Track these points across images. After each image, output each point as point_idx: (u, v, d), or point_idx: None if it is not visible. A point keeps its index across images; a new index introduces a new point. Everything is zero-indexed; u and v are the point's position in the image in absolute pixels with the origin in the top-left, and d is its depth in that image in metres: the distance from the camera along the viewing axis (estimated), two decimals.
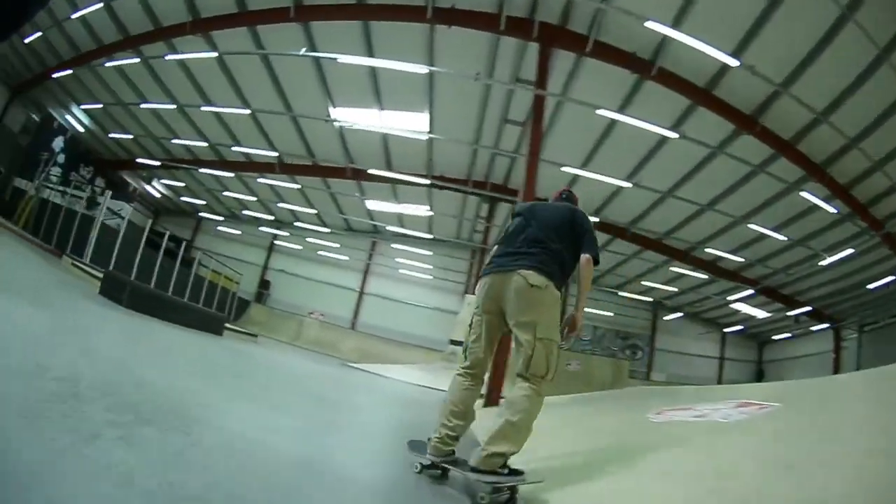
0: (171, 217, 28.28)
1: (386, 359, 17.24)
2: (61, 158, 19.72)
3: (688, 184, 14.70)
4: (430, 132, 14.55)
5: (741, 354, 26.47)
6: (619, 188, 15.05)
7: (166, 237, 14.22)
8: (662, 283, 22.69)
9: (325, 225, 26.04)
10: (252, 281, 26.15)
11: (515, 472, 2.24)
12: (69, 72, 16.32)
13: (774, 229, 15.08)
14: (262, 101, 15.51)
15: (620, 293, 24.35)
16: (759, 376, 25.11)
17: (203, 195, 25.36)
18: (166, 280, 13.31)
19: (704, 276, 20.23)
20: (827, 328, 21.49)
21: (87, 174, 21.69)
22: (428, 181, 16.80)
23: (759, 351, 26.75)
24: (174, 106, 16.89)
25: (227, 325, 10.67)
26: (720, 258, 18.66)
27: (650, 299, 24.77)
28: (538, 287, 2.45)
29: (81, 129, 20.92)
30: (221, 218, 27.98)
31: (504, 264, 2.61)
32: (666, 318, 25.68)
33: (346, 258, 26.54)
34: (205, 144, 19.27)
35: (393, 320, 24.66)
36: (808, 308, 20.46)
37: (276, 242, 27.99)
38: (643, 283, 23.23)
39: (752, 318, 23.35)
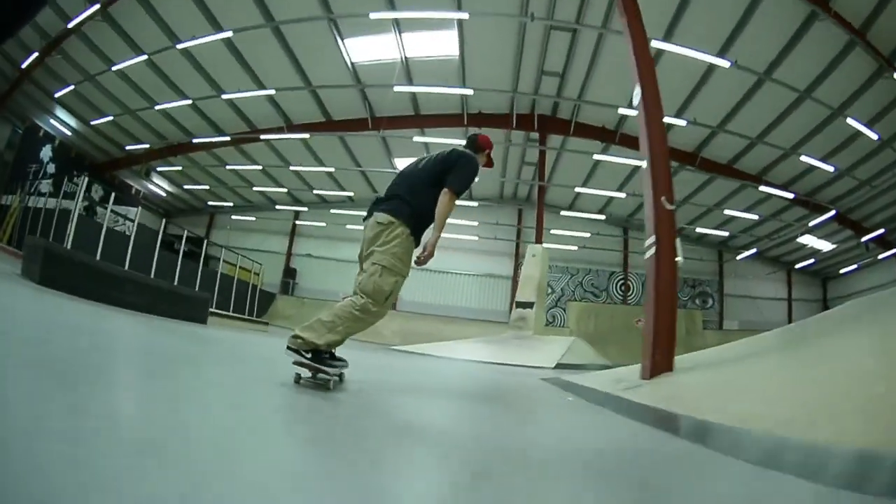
0: (183, 217, 26.50)
1: (436, 338, 15.43)
2: (52, 168, 18.34)
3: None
4: (460, 54, 12.74)
5: (807, 294, 24.60)
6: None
7: (184, 237, 13.58)
8: (729, 220, 20.99)
9: (350, 199, 24.06)
10: (277, 272, 24.30)
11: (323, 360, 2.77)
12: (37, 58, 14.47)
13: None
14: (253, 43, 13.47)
15: (694, 228, 22.42)
16: None
17: (205, 180, 23.19)
18: (189, 282, 12.58)
19: (781, 199, 18.05)
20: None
21: (82, 181, 19.76)
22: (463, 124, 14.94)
23: (823, 288, 24.94)
24: (144, 57, 14.33)
25: (231, 313, 8.77)
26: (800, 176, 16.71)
27: (723, 233, 22.19)
28: (382, 224, 2.96)
29: (68, 133, 19.35)
30: (230, 204, 26.08)
31: (368, 211, 3.13)
32: (735, 259, 23.45)
33: None
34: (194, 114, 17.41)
35: (439, 294, 22.64)
36: (881, 232, 18.29)
37: (299, 223, 25.65)
38: (702, 227, 21.77)
39: (817, 251, 21.74)
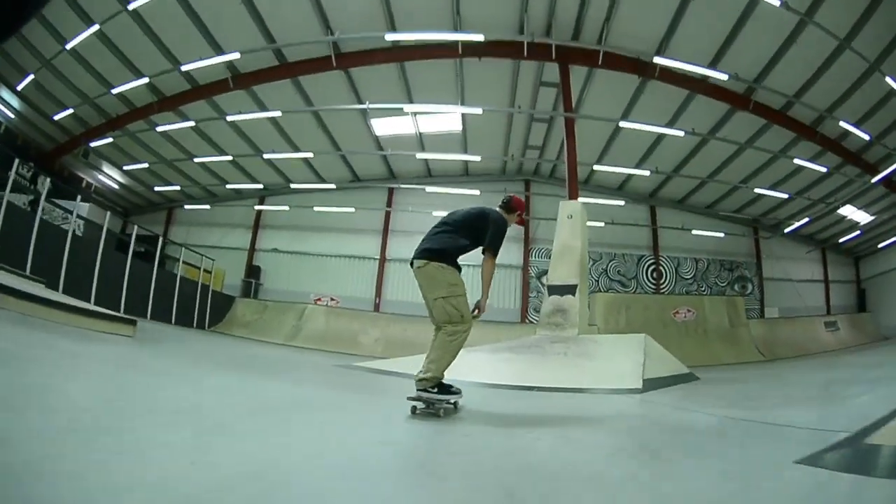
0: (142, 215, 23.38)
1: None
2: None
3: None
4: None
5: (841, 274, 22.42)
6: None
7: (134, 235, 12.51)
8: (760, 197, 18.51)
9: (321, 179, 20.58)
10: (241, 271, 20.76)
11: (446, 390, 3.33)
12: None
13: None
14: None
15: (721, 211, 19.94)
16: (861, 296, 21.91)
17: (146, 157, 19.55)
18: (142, 286, 12.19)
19: (823, 169, 15.52)
20: None
21: (28, 171, 17.07)
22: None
23: (856, 268, 22.78)
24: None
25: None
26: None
27: (775, 194, 18.72)
28: (421, 268, 3.57)
29: (11, 115, 16.90)
30: (193, 200, 22.66)
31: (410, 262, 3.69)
32: (776, 235, 20.77)
33: (350, 210, 20.35)
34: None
35: None
36: None
37: (264, 208, 21.80)
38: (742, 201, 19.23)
39: (855, 225, 19.48)
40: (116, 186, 21.97)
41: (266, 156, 17.71)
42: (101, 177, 21.02)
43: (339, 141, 17.53)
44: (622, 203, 19.13)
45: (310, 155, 17.49)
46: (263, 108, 15.19)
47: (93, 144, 18.21)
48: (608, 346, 6.41)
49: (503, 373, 5.88)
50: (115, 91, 14.64)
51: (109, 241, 11.90)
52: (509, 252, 19.42)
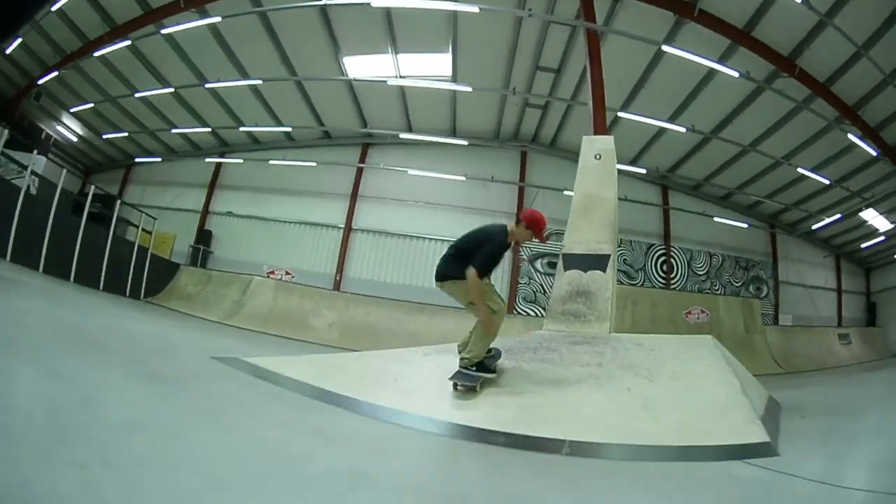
0: (103, 173, 21.28)
1: (395, 337, 9.72)
2: None
3: None
4: None
5: (852, 285, 20.57)
6: None
7: (90, 195, 11.58)
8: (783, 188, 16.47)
9: (288, 137, 18.02)
10: (191, 236, 18.05)
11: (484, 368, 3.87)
12: None
13: None
14: None
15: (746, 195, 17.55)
16: (871, 310, 20.03)
17: (92, 96, 16.91)
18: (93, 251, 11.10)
19: (874, 153, 13.22)
20: None
21: None
22: None
23: (866, 280, 20.89)
24: None
25: None
26: None
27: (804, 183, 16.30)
28: (444, 285, 4.13)
29: None
30: (148, 154, 20.04)
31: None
32: (790, 233, 18.86)
33: (312, 165, 17.58)
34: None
35: (405, 270, 16.48)
36: None
37: (222, 161, 18.91)
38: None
39: (874, 232, 17.67)
40: (75, 139, 19.87)
41: (209, 85, 14.79)
42: (59, 127, 19.09)
43: (308, 87, 14.94)
44: (643, 171, 16.57)
45: (258, 82, 14.37)
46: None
47: (40, 82, 16.01)
48: (666, 352, 3.93)
49: (493, 403, 3.42)
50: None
51: (64, 202, 11.20)
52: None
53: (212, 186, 19.00)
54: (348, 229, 17.25)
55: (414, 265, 16.42)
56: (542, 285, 16.36)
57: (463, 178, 16.62)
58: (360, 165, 17.61)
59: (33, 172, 12.43)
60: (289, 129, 17.35)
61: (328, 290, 14.24)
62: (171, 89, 15.31)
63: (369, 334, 9.57)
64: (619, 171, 6.34)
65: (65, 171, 11.30)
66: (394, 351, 4.79)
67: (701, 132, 13.95)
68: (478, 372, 3.74)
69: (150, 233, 13.92)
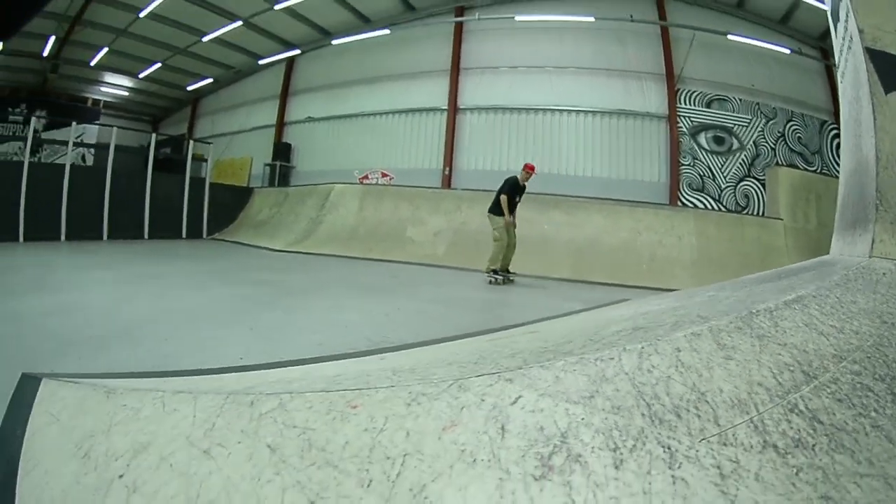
0: (170, 116, 21.38)
1: (525, 242, 7.21)
2: None
3: None
4: None
5: None
6: None
7: (152, 146, 10.95)
8: None
9: (362, 18, 14.67)
10: (267, 155, 15.86)
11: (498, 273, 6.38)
12: None
13: None
14: None
15: None
16: None
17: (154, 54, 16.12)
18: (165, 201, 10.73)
19: None
20: None
21: (21, 112, 17.60)
22: None
23: None
24: None
25: None
26: None
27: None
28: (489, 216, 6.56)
29: None
30: (209, 80, 18.49)
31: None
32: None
33: (385, 34, 14.24)
34: None
35: (531, 151, 12.42)
36: None
37: (290, 56, 16.19)
38: None
39: None
40: (127, 93, 19.91)
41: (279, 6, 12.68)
42: (105, 88, 19.46)
43: None
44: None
45: None
46: None
47: (93, 63, 16.79)
48: None
49: None
50: None
51: (131, 159, 11.93)
52: (647, 94, 12.41)
53: (284, 94, 16.48)
54: (453, 110, 13.53)
55: (541, 145, 12.59)
56: (709, 168, 12.05)
57: (592, 19, 12.17)
58: (458, 20, 13.67)
59: (83, 144, 13.23)
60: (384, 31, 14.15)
61: (435, 188, 11.03)
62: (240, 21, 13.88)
63: (486, 244, 6.47)
64: None
65: (115, 129, 10.84)
66: None
67: None
68: (494, 274, 6.35)
69: (205, 160, 12.52)
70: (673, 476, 0.78)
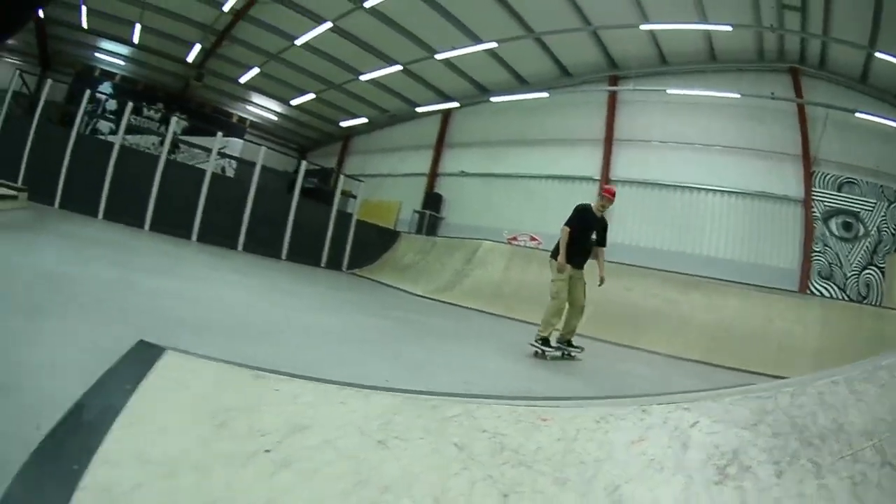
0: (318, 148, 22.89)
1: (665, 319, 7.92)
2: (112, 105, 16.57)
3: None
4: None
5: None
6: None
7: (302, 170, 12.10)
8: None
9: (519, 78, 15.76)
10: (417, 202, 17.28)
11: (548, 345, 4.77)
12: None
13: None
14: None
15: None
16: None
17: (305, 84, 17.68)
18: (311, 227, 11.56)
19: None
20: None
21: (157, 113, 18.21)
22: None
23: None
24: None
25: None
26: None
27: None
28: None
29: (122, 63, 18.36)
30: (363, 120, 20.11)
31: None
32: None
33: (544, 97, 15.15)
34: None
35: (675, 229, 13.05)
36: None
37: (447, 107, 17.25)
38: None
39: None
40: (275, 118, 21.33)
41: (439, 56, 13.79)
42: (252, 108, 20.72)
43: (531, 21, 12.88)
44: None
45: (493, 45, 12.94)
46: None
47: (242, 80, 18.08)
48: None
49: None
50: None
51: (269, 179, 11.69)
52: (777, 175, 12.53)
53: (439, 145, 17.82)
54: (605, 181, 13.93)
55: (684, 224, 13.03)
56: (837, 255, 11.75)
57: (737, 96, 12.75)
58: (612, 89, 14.43)
59: (226, 155, 13.39)
60: (543, 94, 15.14)
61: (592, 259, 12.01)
62: (399, 66, 15.07)
63: (629, 317, 7.43)
64: None
65: (263, 149, 11.35)
66: None
67: None
68: (542, 346, 4.74)
69: (353, 196, 13.59)
70: (818, 484, 1.07)
